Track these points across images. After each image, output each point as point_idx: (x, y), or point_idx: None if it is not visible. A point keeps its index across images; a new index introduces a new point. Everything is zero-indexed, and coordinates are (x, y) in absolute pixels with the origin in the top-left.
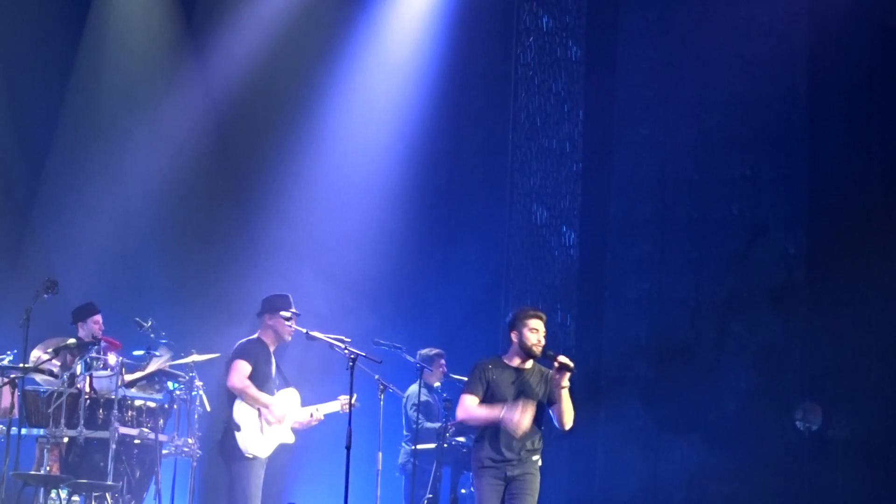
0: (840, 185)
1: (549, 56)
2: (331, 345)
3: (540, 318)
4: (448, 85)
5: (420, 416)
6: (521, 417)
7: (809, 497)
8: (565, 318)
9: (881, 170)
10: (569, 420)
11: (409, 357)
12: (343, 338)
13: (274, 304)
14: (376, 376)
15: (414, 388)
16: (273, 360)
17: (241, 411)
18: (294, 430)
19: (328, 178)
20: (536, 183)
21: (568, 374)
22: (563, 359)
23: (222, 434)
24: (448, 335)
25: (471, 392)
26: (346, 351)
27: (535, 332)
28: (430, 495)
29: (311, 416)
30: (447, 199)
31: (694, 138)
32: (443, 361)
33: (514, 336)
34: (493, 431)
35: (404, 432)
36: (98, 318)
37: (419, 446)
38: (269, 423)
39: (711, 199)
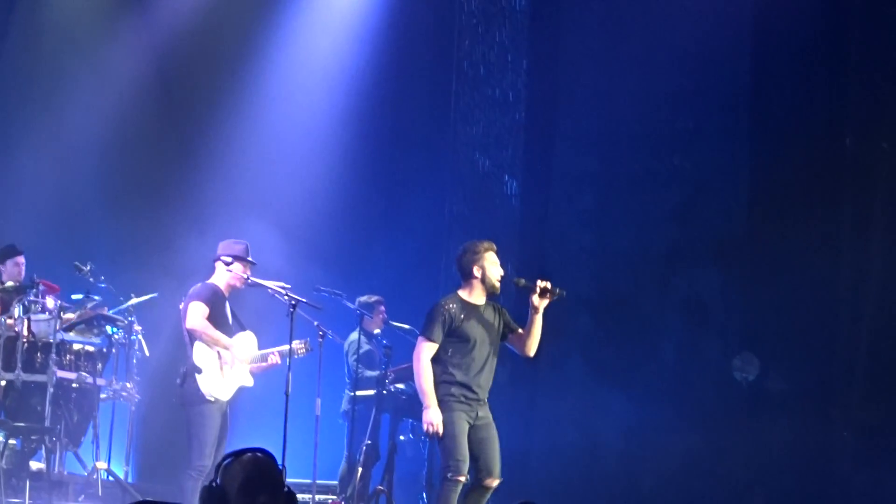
0: (782, 141)
1: (493, 5)
2: (271, 291)
3: (495, 251)
4: (391, 34)
5: (359, 364)
6: (437, 429)
7: (746, 447)
8: (507, 267)
9: (823, 126)
10: (535, 346)
11: (349, 304)
12: (283, 284)
13: (229, 252)
14: (316, 323)
15: (354, 335)
16: (228, 305)
17: (200, 354)
18: (252, 374)
19: (272, 127)
20: (479, 132)
21: (550, 299)
22: (545, 284)
23: (182, 378)
24: (391, 283)
25: (429, 338)
26: (286, 297)
27: (496, 266)
28: (370, 441)
29: (268, 359)
30: (391, 147)
31: (638, 91)
32: (383, 308)
33: (476, 272)
34: (466, 364)
35: (347, 379)
36: (20, 259)
37: (359, 393)
38: (229, 365)
39: (654, 153)
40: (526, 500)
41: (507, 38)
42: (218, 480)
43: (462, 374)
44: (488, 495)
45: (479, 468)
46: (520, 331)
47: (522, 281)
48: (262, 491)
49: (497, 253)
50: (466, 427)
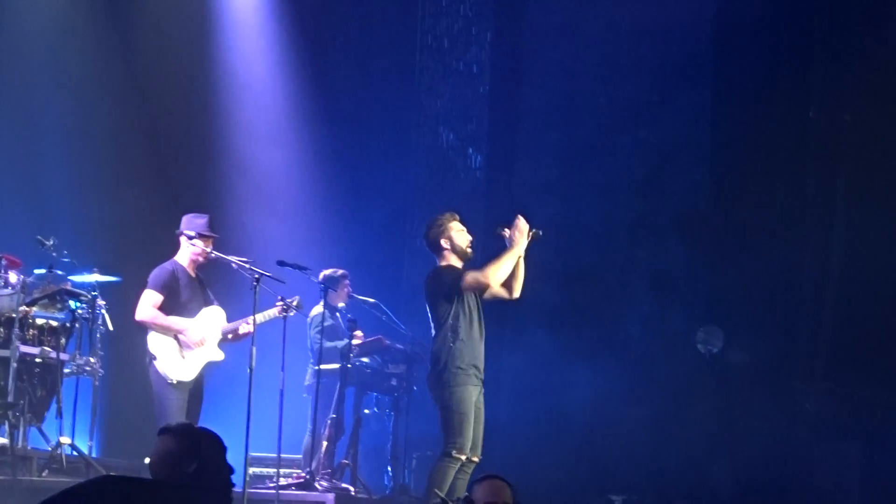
0: (745, 114)
1: None
2: (235, 266)
3: (458, 219)
4: (355, 6)
5: (323, 338)
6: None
7: (710, 418)
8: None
9: (786, 99)
10: (521, 287)
11: (313, 278)
12: (245, 259)
13: (191, 226)
14: (280, 297)
15: (318, 309)
16: (192, 281)
17: (154, 341)
18: (224, 346)
19: (235, 103)
20: (444, 105)
21: (530, 241)
22: (525, 227)
23: (149, 356)
24: (355, 257)
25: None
26: (250, 271)
27: (463, 233)
28: (335, 415)
29: (240, 329)
30: (354, 121)
31: (601, 64)
32: (347, 282)
33: (444, 243)
34: (475, 341)
35: (310, 353)
36: None
37: (323, 367)
38: (188, 346)
39: (618, 126)
40: (490, 472)
41: (471, 11)
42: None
43: (472, 352)
44: (472, 469)
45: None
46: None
47: (505, 229)
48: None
49: (461, 221)
50: (473, 408)
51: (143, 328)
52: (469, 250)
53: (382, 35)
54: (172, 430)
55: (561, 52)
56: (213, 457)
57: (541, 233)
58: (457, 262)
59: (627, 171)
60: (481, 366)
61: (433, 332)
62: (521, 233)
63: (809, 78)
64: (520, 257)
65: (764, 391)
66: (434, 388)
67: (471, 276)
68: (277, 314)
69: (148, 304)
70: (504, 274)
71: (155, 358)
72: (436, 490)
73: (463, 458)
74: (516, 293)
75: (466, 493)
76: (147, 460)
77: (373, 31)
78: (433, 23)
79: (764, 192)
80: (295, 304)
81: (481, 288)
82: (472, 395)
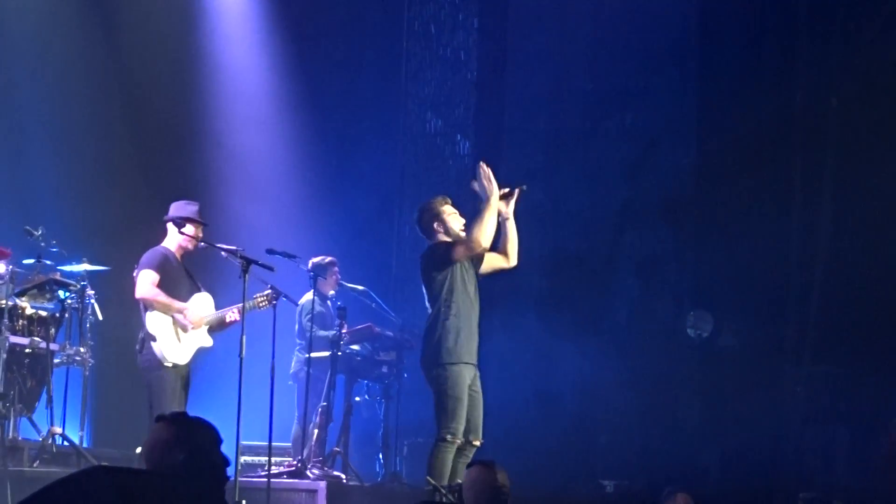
0: (731, 98)
1: None
2: (224, 254)
3: (450, 202)
4: None
5: (315, 327)
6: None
7: (699, 403)
8: None
9: (772, 82)
10: (516, 252)
11: (302, 266)
12: (234, 247)
13: (180, 213)
14: (269, 285)
15: (307, 297)
16: (182, 268)
17: (154, 320)
18: (212, 335)
19: (221, 91)
20: (431, 92)
21: (515, 198)
22: (504, 189)
23: (140, 344)
24: (343, 245)
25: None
26: (238, 258)
27: (456, 216)
28: (325, 403)
29: (227, 317)
30: (341, 108)
31: (587, 49)
32: (336, 270)
33: (438, 227)
34: (471, 317)
35: (297, 341)
36: None
37: (313, 355)
38: (184, 329)
39: (604, 111)
40: (482, 459)
41: None
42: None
43: (466, 330)
44: (472, 454)
45: (467, 429)
46: (494, 252)
47: (474, 182)
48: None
49: (453, 205)
50: (467, 390)
51: (135, 315)
52: (463, 233)
53: (369, 21)
54: (166, 418)
55: (547, 37)
56: (205, 447)
57: (525, 187)
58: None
59: (614, 157)
60: (475, 345)
61: (429, 310)
62: (487, 180)
63: (795, 62)
64: (508, 220)
65: (752, 375)
66: (426, 369)
67: (459, 244)
68: (258, 306)
69: (148, 282)
70: (489, 229)
71: (154, 339)
72: (428, 477)
73: (458, 441)
74: (513, 259)
75: (459, 481)
76: (139, 450)
77: (359, 18)
78: (419, 9)
79: (751, 177)
80: (266, 293)
81: (474, 251)
82: (466, 377)
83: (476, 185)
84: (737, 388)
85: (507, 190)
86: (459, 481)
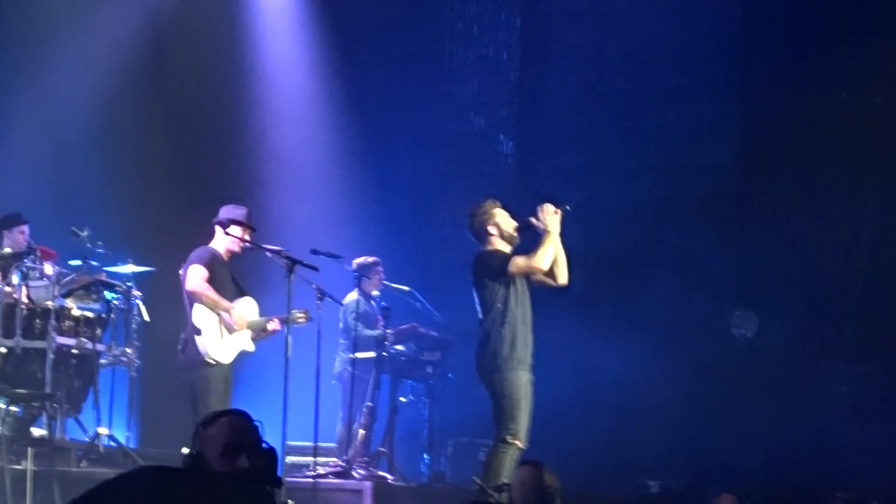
0: (773, 95)
1: None
2: (269, 254)
3: (500, 205)
4: None
5: (359, 325)
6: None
7: (741, 402)
8: None
9: (813, 78)
10: (566, 270)
11: (346, 266)
12: (279, 248)
13: (229, 216)
14: (314, 285)
15: (352, 296)
16: (228, 270)
17: (200, 315)
18: (255, 342)
19: (264, 92)
20: (473, 91)
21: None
22: (550, 208)
23: (182, 344)
24: (387, 244)
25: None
26: (284, 259)
27: (507, 218)
28: (370, 403)
29: (268, 326)
30: (385, 108)
31: (629, 47)
32: (380, 270)
33: (492, 230)
34: (527, 324)
35: (341, 341)
36: (24, 228)
37: (358, 355)
38: (229, 329)
39: (645, 108)
40: (531, 459)
41: None
42: (196, 448)
43: (522, 336)
44: (518, 456)
45: None
46: None
47: (532, 219)
48: (242, 452)
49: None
50: (525, 393)
51: (180, 315)
52: (516, 234)
53: (411, 21)
54: (225, 422)
55: (589, 35)
56: (260, 445)
57: (568, 208)
58: (504, 248)
59: (655, 154)
60: (530, 351)
61: (480, 316)
62: (550, 214)
63: (839, 60)
64: (557, 241)
65: (795, 373)
66: (483, 374)
67: (520, 261)
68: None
69: (198, 276)
70: (550, 257)
71: (199, 333)
72: (474, 477)
73: (518, 444)
74: (562, 279)
75: (506, 481)
76: (184, 450)
77: (402, 18)
78: (462, 9)
79: (793, 174)
80: (304, 311)
81: (531, 272)
82: (527, 383)
83: (534, 221)
84: (780, 386)
85: (554, 208)
86: (505, 481)
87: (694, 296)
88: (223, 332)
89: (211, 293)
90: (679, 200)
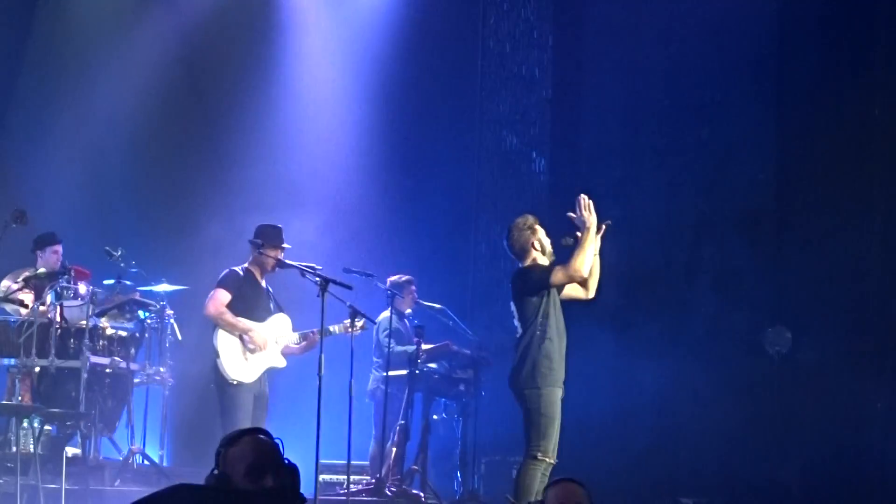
0: (809, 111)
1: None
2: (302, 271)
3: (539, 222)
4: (415, 12)
5: (392, 343)
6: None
7: (779, 420)
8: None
9: (851, 96)
10: (596, 285)
11: (380, 284)
12: (314, 265)
13: (261, 235)
14: (347, 303)
15: (385, 314)
16: (261, 288)
17: (221, 339)
18: (288, 355)
19: (297, 110)
20: (506, 109)
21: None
22: (589, 217)
23: (212, 362)
24: (419, 263)
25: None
26: (317, 278)
27: (545, 236)
28: (403, 421)
29: (301, 340)
30: (417, 127)
31: (663, 63)
32: (413, 288)
33: (537, 246)
34: (560, 342)
35: (374, 359)
36: (58, 248)
37: (391, 373)
38: (250, 350)
39: (681, 125)
40: (566, 476)
41: (533, 14)
42: (220, 468)
43: (558, 352)
44: (549, 471)
45: None
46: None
47: (570, 240)
48: (267, 471)
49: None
50: (559, 410)
51: (211, 331)
52: (552, 252)
53: (443, 40)
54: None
55: (622, 52)
56: (285, 465)
57: (609, 222)
58: (544, 263)
59: (691, 171)
60: (564, 368)
61: (519, 331)
62: (588, 211)
63: (874, 75)
64: (596, 256)
65: (832, 390)
66: (519, 389)
67: (560, 270)
68: (343, 331)
69: (217, 301)
70: (589, 257)
71: (219, 356)
72: (507, 496)
73: (548, 460)
74: (591, 291)
75: (540, 499)
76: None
77: (434, 36)
78: (494, 27)
79: (829, 190)
80: (360, 324)
81: (572, 279)
82: (558, 398)
83: (574, 216)
84: (817, 402)
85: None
86: (538, 499)
87: (730, 312)
88: (246, 352)
89: (227, 317)
90: (716, 217)
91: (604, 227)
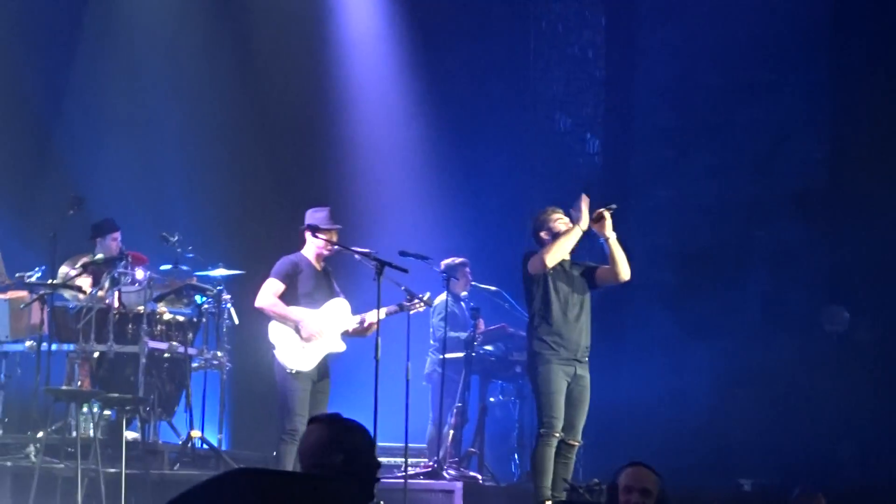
0: (863, 90)
1: None
2: (358, 256)
3: (560, 211)
4: None
5: (446, 325)
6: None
7: (834, 398)
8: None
9: None
10: (626, 268)
11: (434, 267)
12: (368, 250)
13: (313, 220)
14: (403, 287)
15: (441, 297)
16: (317, 274)
17: (274, 329)
18: (348, 338)
19: (351, 93)
20: (559, 90)
21: (608, 219)
22: (596, 212)
23: (270, 353)
24: (474, 245)
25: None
26: (372, 261)
27: (563, 221)
28: (460, 404)
29: (361, 323)
30: (470, 108)
31: (716, 43)
32: (468, 270)
33: (546, 236)
34: (570, 320)
35: (431, 342)
36: (117, 234)
37: (447, 356)
38: (304, 338)
39: (734, 105)
40: (633, 459)
41: None
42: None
43: (558, 331)
44: (572, 454)
45: (564, 427)
46: (603, 266)
47: (613, 207)
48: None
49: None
50: (564, 385)
51: (267, 319)
52: None
53: (496, 21)
54: (322, 420)
55: (675, 32)
56: (363, 448)
57: (614, 206)
58: None
59: (744, 150)
60: (575, 346)
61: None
62: (578, 210)
63: None
64: (609, 240)
65: (888, 369)
66: (527, 371)
67: (534, 259)
68: (402, 309)
69: (268, 292)
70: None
71: (274, 347)
72: (564, 478)
73: (556, 435)
74: (623, 276)
75: (612, 481)
76: (276, 452)
77: (486, 18)
78: (546, 8)
79: (884, 168)
80: (426, 298)
81: (538, 269)
82: (558, 374)
83: (573, 211)
84: (873, 382)
85: (601, 212)
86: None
87: (785, 292)
88: (302, 342)
89: (278, 308)
90: (770, 196)
91: (609, 212)
